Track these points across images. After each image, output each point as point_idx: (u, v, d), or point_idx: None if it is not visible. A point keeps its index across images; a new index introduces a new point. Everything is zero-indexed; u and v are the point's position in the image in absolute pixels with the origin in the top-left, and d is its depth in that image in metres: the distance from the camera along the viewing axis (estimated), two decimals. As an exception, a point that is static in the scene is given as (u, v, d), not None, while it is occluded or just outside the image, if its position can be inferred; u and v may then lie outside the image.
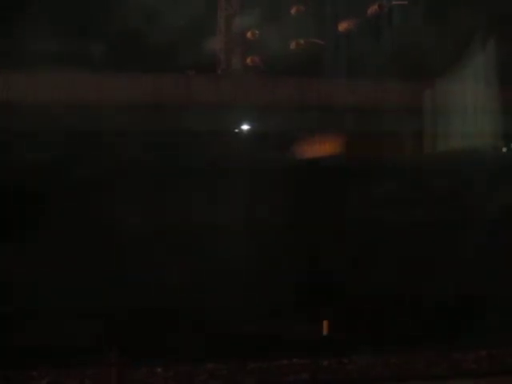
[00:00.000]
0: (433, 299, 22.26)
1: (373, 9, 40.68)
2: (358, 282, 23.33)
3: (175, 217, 26.29)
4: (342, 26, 41.62)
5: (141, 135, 31.64)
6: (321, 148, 33.98)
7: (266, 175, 28.11)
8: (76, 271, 23.30)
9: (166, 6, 37.46)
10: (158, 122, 32.67)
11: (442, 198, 29.66)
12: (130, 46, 38.57)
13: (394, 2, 40.16)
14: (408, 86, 34.98)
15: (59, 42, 35.47)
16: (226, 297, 21.60)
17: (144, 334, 19.15)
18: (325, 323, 18.27)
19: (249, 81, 35.98)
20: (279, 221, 27.19)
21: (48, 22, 35.22)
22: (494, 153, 34.18)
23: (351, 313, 20.86)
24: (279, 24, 40.60)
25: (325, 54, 40.55)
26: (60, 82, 31.99)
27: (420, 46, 36.83)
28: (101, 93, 32.16)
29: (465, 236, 26.66)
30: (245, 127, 35.90)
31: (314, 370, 15.90)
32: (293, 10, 42.35)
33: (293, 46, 42.83)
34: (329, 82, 35.19)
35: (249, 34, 43.13)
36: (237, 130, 36.23)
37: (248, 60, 43.29)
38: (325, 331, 18.30)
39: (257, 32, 42.83)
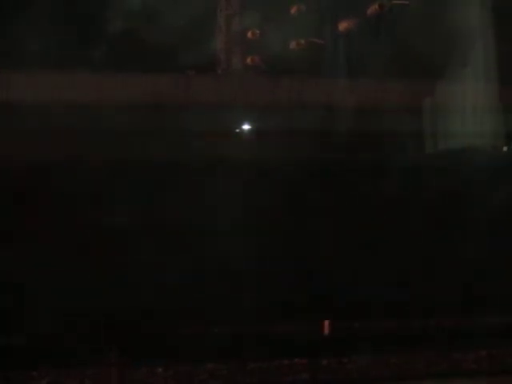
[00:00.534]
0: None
1: (373, 8, 40.67)
2: None
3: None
4: (343, 26, 41.62)
5: (141, 135, 31.61)
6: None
7: (269, 174, 28.05)
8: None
9: (166, 6, 37.45)
10: (158, 121, 32.67)
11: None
12: (130, 45, 38.55)
13: (394, 2, 40.13)
14: (409, 86, 34.98)
15: (59, 42, 35.46)
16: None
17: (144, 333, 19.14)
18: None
19: (249, 80, 35.96)
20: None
21: (48, 22, 35.20)
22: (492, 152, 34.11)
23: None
24: (279, 24, 40.59)
25: (325, 54, 40.53)
26: (60, 82, 32.02)
27: (421, 46, 36.81)
28: (101, 93, 32.18)
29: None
30: (246, 127, 35.90)
31: (313, 369, 15.86)
32: (293, 10, 42.35)
33: (293, 45, 42.83)
34: (329, 81, 35.17)
35: (249, 34, 43.13)
36: (237, 130, 36.25)
37: (248, 60, 43.30)
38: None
39: (257, 32, 42.83)
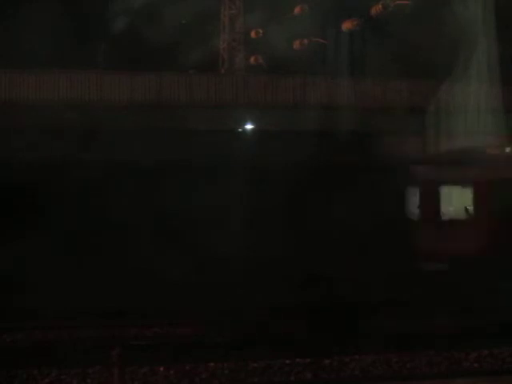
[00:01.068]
0: None
1: (376, 8, 40.75)
2: None
3: None
4: (346, 26, 41.70)
5: (142, 133, 31.62)
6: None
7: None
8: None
9: (170, 6, 37.54)
10: (160, 120, 32.71)
11: None
12: (133, 44, 38.65)
13: (397, 2, 40.22)
14: (410, 86, 35.04)
15: (60, 41, 35.59)
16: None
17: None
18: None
19: (252, 80, 36.01)
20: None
21: (49, 21, 35.33)
22: None
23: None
24: (283, 23, 40.67)
25: (328, 53, 40.62)
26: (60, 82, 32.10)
27: (423, 46, 36.86)
28: (101, 92, 32.24)
29: None
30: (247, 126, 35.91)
31: (315, 369, 15.86)
32: (296, 10, 42.43)
33: (296, 45, 42.90)
34: (331, 81, 35.21)
35: (252, 33, 43.22)
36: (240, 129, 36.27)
37: (251, 59, 43.36)
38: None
39: (260, 31, 42.90)
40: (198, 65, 38.94)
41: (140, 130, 31.19)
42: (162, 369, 15.47)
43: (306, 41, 43.27)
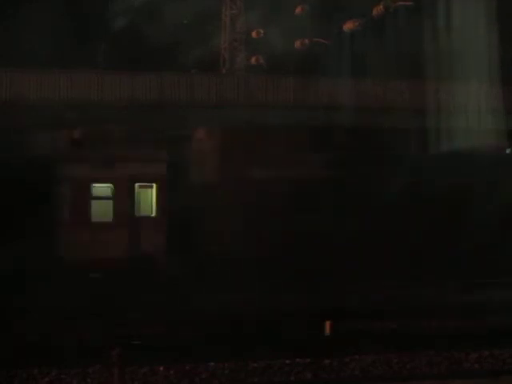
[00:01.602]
0: None
1: (378, 9, 40.72)
2: None
3: None
4: (347, 26, 41.67)
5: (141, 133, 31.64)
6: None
7: None
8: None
9: (171, 5, 37.51)
10: (160, 120, 32.68)
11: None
12: (133, 44, 38.63)
13: (399, 3, 40.18)
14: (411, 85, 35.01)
15: (60, 41, 35.57)
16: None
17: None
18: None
19: (253, 80, 35.98)
20: None
21: (49, 21, 35.31)
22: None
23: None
24: (284, 23, 40.63)
25: (329, 54, 40.60)
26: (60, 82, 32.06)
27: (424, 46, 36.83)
28: (102, 91, 32.19)
29: None
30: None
31: (315, 369, 15.84)
32: (297, 10, 42.40)
33: (297, 45, 42.87)
34: (332, 81, 35.18)
35: (253, 33, 43.18)
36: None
37: (252, 59, 43.32)
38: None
39: (261, 31, 42.86)
40: (198, 65, 38.91)
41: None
42: (161, 368, 15.47)
43: (306, 41, 43.25)
